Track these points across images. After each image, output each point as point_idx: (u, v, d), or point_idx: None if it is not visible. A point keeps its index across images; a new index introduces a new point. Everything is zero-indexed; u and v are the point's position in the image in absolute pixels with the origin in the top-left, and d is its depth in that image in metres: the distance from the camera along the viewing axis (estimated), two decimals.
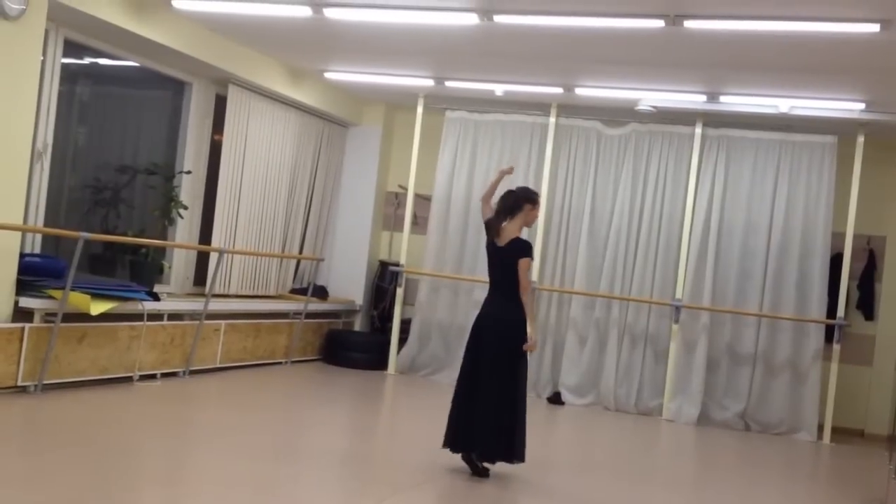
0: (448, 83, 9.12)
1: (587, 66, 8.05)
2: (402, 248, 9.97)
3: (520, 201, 5.79)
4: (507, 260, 5.72)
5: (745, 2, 5.87)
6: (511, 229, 5.76)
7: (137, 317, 7.30)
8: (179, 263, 8.73)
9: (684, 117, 9.14)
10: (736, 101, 8.63)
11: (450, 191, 9.89)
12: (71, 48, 7.31)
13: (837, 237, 8.80)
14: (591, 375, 9.32)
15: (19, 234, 6.50)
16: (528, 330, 5.61)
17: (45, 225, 7.17)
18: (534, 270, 8.95)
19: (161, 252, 8.18)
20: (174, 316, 7.93)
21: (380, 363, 9.90)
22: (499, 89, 9.15)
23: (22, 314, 6.42)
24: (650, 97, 8.74)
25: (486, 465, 5.67)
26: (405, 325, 9.99)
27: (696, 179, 9.15)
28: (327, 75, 9.50)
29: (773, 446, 8.29)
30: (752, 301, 9.00)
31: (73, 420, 6.00)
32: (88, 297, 6.60)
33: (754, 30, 6.30)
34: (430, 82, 9.18)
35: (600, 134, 9.56)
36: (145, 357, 7.47)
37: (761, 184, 9.06)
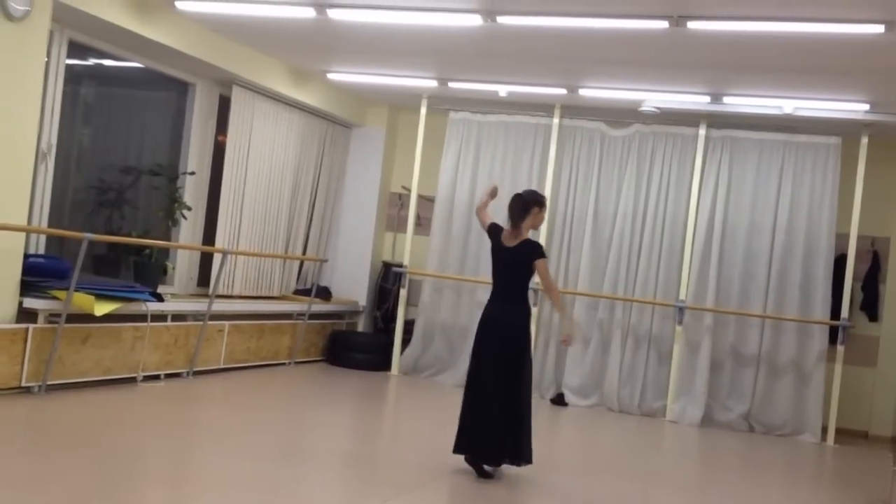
0: (451, 84, 9.12)
1: (590, 67, 8.04)
2: (406, 249, 9.97)
3: (528, 205, 5.81)
4: (515, 261, 5.74)
5: (749, 3, 5.86)
6: (519, 232, 5.77)
7: (141, 317, 7.31)
8: (183, 264, 8.73)
9: (688, 118, 9.13)
10: (740, 102, 8.62)
11: (453, 192, 9.90)
12: (75, 49, 7.32)
13: (841, 238, 8.78)
14: (595, 377, 9.32)
15: (23, 234, 6.51)
16: (565, 325, 6.09)
17: (49, 226, 7.18)
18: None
19: (165, 253, 8.19)
20: (178, 317, 7.93)
21: (383, 364, 9.90)
22: (502, 90, 9.15)
23: (26, 315, 6.43)
24: (654, 98, 8.74)
25: (491, 467, 5.67)
26: (408, 326, 9.99)
27: (699, 180, 9.14)
28: (331, 76, 9.50)
29: (776, 448, 8.28)
30: (756, 302, 8.99)
31: (76, 421, 6.01)
32: (92, 297, 6.60)
33: (758, 31, 6.29)
34: (433, 83, 9.18)
35: (604, 135, 9.56)
36: (149, 358, 7.48)
37: (765, 185, 9.05)
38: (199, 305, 8.15)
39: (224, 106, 8.91)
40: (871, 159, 8.73)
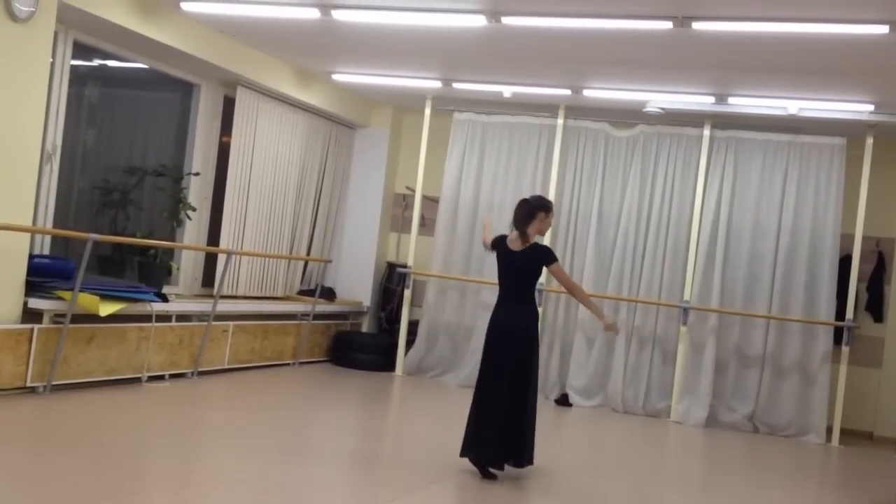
0: (456, 85, 9.12)
1: (595, 67, 8.04)
2: (410, 250, 9.97)
3: (534, 210, 5.79)
4: (522, 265, 5.75)
5: (754, 3, 5.85)
6: (525, 237, 5.76)
7: (146, 318, 7.32)
8: (188, 265, 8.75)
9: (692, 119, 9.12)
10: (744, 103, 8.61)
11: (457, 192, 9.89)
12: (80, 50, 7.34)
13: (846, 239, 8.77)
14: (599, 377, 9.31)
15: (28, 235, 6.53)
16: (603, 316, 6.00)
17: (55, 226, 7.20)
18: (543, 272, 8.93)
19: (169, 253, 8.20)
20: (182, 317, 7.94)
21: (387, 364, 9.90)
22: (507, 91, 9.15)
23: (31, 315, 6.45)
24: (658, 99, 8.73)
25: (496, 469, 5.67)
26: (413, 327, 9.99)
27: (704, 181, 9.13)
28: (335, 77, 9.51)
29: (781, 448, 8.27)
30: (761, 303, 8.98)
31: (81, 421, 6.02)
32: (97, 298, 6.62)
33: (763, 31, 6.28)
34: (437, 84, 9.18)
35: (608, 136, 9.55)
36: (154, 358, 7.49)
37: (770, 185, 9.04)
38: (203, 306, 8.16)
39: (229, 107, 8.92)
40: (875, 160, 8.71)
